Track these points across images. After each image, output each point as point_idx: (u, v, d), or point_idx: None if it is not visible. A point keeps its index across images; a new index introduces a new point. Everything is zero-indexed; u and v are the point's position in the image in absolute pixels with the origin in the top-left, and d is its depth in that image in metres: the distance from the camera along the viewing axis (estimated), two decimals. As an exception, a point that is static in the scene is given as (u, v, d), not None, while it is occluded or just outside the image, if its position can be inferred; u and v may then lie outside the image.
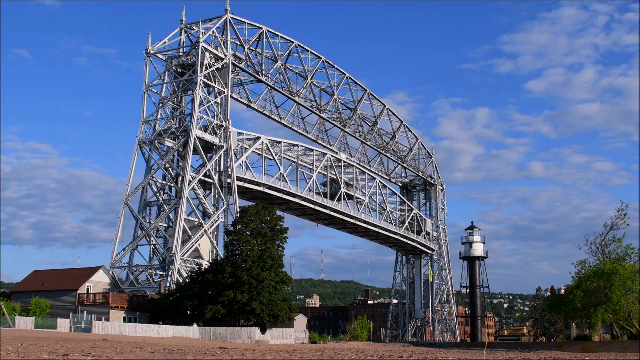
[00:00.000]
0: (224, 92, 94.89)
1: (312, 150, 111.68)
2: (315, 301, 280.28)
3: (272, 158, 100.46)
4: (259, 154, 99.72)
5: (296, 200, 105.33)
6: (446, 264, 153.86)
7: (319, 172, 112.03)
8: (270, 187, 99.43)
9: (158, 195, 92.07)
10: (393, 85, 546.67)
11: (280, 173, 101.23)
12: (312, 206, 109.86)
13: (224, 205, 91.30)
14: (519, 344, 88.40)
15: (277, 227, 77.19)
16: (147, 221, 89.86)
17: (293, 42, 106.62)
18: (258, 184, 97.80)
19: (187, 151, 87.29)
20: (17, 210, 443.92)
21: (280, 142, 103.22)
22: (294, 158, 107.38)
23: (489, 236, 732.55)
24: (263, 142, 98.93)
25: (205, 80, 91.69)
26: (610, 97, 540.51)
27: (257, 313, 71.86)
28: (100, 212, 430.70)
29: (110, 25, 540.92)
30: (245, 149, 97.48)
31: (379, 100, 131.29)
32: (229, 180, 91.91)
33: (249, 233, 75.96)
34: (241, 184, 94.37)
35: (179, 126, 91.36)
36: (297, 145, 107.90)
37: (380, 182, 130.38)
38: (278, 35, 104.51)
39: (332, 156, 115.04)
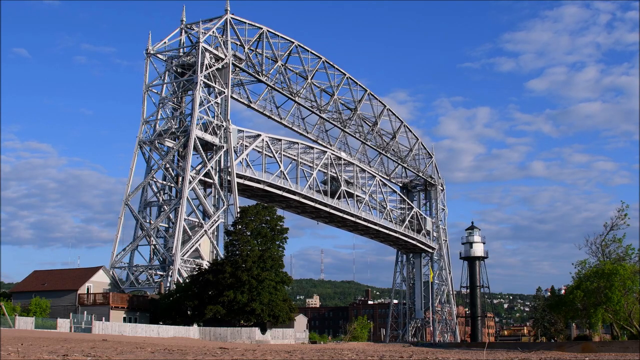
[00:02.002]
0: (224, 92, 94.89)
1: (312, 148, 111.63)
2: (315, 301, 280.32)
3: (272, 155, 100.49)
4: (259, 152, 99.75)
5: (296, 197, 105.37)
6: (446, 264, 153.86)
7: (319, 170, 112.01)
8: (270, 185, 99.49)
9: (158, 195, 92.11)
10: (393, 84, 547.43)
11: (280, 170, 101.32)
12: (312, 204, 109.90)
13: (224, 205, 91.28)
14: (519, 344, 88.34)
15: (277, 227, 77.15)
16: (147, 221, 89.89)
17: (293, 42, 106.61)
18: (258, 182, 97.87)
19: (187, 151, 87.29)
20: (16, 210, 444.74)
21: (280, 140, 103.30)
22: (294, 156, 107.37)
23: (490, 236, 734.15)
24: (263, 140, 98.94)
25: (205, 80, 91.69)
26: (611, 96, 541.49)
27: (257, 313, 71.85)
28: (100, 212, 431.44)
29: (109, 24, 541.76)
30: (246, 146, 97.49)
31: (379, 100, 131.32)
32: (228, 179, 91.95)
33: (249, 233, 75.93)
34: (241, 181, 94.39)
35: (179, 126, 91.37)
36: (297, 143, 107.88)
37: (380, 180, 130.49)
38: (278, 35, 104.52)
39: (332, 154, 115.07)
